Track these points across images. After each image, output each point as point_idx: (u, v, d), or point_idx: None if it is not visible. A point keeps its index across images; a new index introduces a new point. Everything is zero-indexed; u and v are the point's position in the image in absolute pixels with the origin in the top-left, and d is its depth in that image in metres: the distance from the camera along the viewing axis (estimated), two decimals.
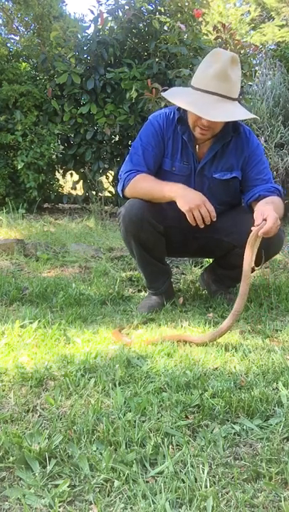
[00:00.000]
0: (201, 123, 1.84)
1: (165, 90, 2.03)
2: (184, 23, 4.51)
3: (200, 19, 4.68)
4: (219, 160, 1.99)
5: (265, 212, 1.69)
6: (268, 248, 1.98)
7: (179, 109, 1.97)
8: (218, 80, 1.78)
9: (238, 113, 1.85)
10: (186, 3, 4.58)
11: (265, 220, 1.67)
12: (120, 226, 2.01)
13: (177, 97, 1.92)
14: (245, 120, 2.44)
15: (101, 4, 4.76)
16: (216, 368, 1.47)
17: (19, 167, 4.69)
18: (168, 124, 1.99)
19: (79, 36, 4.86)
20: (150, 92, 4.24)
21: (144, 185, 1.92)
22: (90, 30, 4.83)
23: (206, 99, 1.79)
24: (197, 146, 1.98)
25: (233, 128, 1.98)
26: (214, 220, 1.83)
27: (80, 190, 5.48)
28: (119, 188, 2.01)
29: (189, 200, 1.81)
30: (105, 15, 4.77)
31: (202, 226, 1.83)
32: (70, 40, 4.75)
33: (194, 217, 1.81)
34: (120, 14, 4.79)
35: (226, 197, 2.04)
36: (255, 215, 1.73)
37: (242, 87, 3.64)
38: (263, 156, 2.06)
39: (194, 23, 4.63)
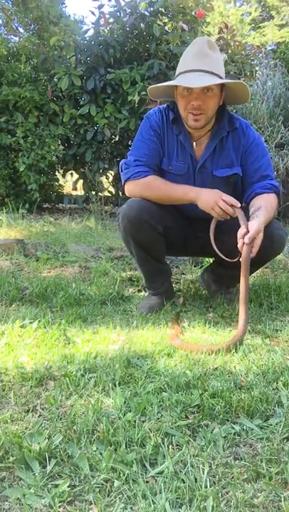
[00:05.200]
0: (192, 106, 1.82)
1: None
2: (186, 24, 4.50)
3: (202, 20, 4.68)
4: (219, 156, 1.97)
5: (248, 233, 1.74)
6: (269, 247, 1.98)
7: (172, 109, 1.97)
8: (198, 58, 1.80)
9: (219, 80, 1.82)
10: (190, 5, 4.58)
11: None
12: (119, 226, 2.02)
13: (162, 83, 1.94)
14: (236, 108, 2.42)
15: (103, 5, 4.75)
16: (216, 368, 1.47)
17: (21, 169, 4.69)
18: (164, 122, 1.98)
19: (78, 38, 4.85)
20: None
21: (161, 187, 1.93)
22: (90, 33, 4.82)
23: (189, 75, 1.80)
24: (194, 144, 1.97)
25: (228, 123, 1.96)
26: (238, 205, 1.83)
27: (80, 191, 5.48)
28: (123, 177, 1.98)
29: (206, 199, 1.84)
30: (106, 16, 4.76)
31: (228, 217, 1.85)
32: (69, 44, 4.75)
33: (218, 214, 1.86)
34: (122, 15, 4.79)
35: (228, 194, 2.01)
36: (239, 232, 1.77)
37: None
38: (263, 150, 2.01)
39: (196, 24, 4.62)
